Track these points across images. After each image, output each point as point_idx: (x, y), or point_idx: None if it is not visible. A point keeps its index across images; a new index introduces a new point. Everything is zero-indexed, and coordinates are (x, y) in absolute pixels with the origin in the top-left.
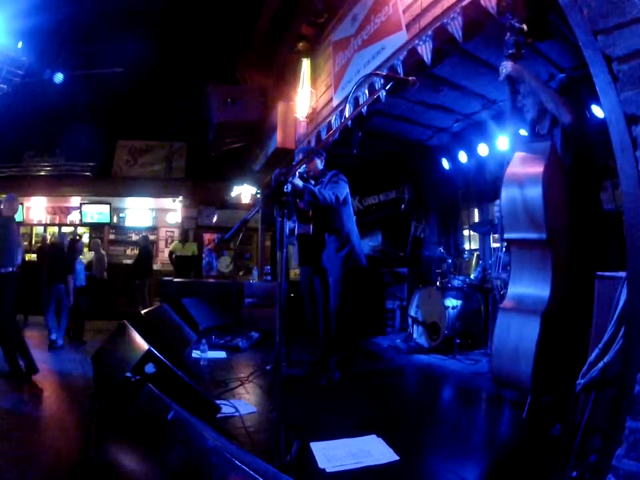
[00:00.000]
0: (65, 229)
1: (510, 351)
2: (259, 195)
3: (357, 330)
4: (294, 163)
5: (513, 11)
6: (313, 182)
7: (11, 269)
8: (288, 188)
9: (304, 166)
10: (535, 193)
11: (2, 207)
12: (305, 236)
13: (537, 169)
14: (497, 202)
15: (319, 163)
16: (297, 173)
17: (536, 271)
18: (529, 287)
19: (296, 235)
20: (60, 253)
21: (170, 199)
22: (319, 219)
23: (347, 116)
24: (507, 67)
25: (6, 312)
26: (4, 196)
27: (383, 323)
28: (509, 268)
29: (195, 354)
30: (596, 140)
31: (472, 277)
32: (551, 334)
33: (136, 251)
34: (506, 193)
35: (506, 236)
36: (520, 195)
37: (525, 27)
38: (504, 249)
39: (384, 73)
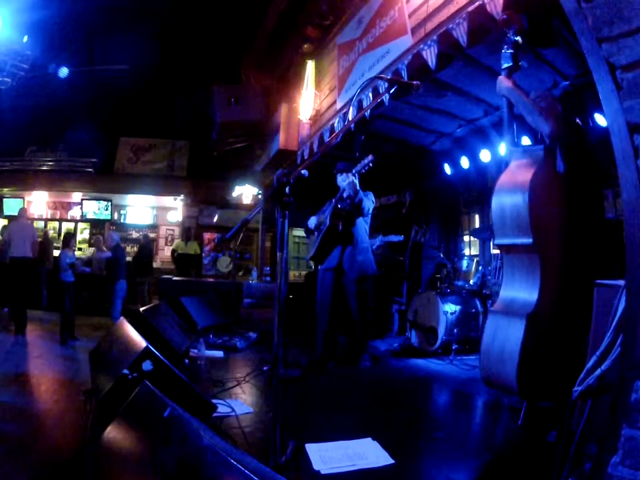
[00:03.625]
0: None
1: (496, 351)
2: (260, 196)
3: (369, 326)
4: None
5: (509, 24)
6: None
7: None
8: (349, 187)
9: (357, 166)
10: (521, 199)
11: None
12: (335, 228)
13: (525, 176)
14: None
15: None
16: (354, 174)
17: (525, 275)
18: (518, 290)
19: (326, 225)
20: None
21: (171, 197)
22: (348, 221)
23: (350, 119)
24: (497, 85)
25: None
26: (5, 190)
27: (385, 326)
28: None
29: (193, 353)
30: (598, 148)
31: (471, 282)
32: (540, 337)
33: (136, 249)
34: (495, 201)
35: (496, 242)
36: (508, 202)
37: (519, 39)
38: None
39: (388, 77)
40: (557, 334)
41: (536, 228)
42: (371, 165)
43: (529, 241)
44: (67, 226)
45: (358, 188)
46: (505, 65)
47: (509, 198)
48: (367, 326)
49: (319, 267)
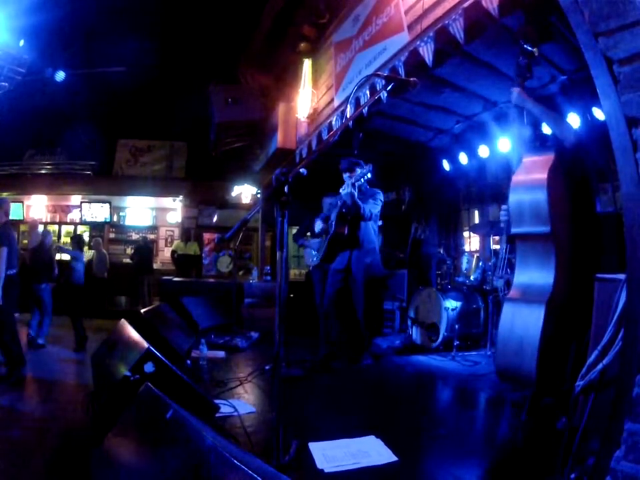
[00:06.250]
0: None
1: (515, 341)
2: (259, 195)
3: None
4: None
5: (525, 35)
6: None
7: (14, 271)
8: (348, 198)
9: (356, 175)
10: (540, 195)
11: None
12: (341, 234)
13: (542, 174)
14: (503, 206)
15: (360, 173)
16: (352, 184)
17: (540, 261)
18: (533, 276)
19: (332, 232)
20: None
21: (170, 199)
22: (354, 224)
23: (348, 116)
24: (513, 96)
25: (10, 312)
26: (4, 194)
27: (382, 324)
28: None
29: (194, 353)
30: (597, 142)
31: (472, 278)
32: (554, 327)
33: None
34: (513, 197)
35: (513, 231)
36: (526, 198)
37: (536, 51)
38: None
39: (385, 74)
40: (568, 325)
41: (553, 218)
42: (369, 175)
43: (547, 229)
44: (66, 229)
45: (355, 199)
46: (520, 74)
47: (528, 191)
48: (369, 325)
49: (330, 266)
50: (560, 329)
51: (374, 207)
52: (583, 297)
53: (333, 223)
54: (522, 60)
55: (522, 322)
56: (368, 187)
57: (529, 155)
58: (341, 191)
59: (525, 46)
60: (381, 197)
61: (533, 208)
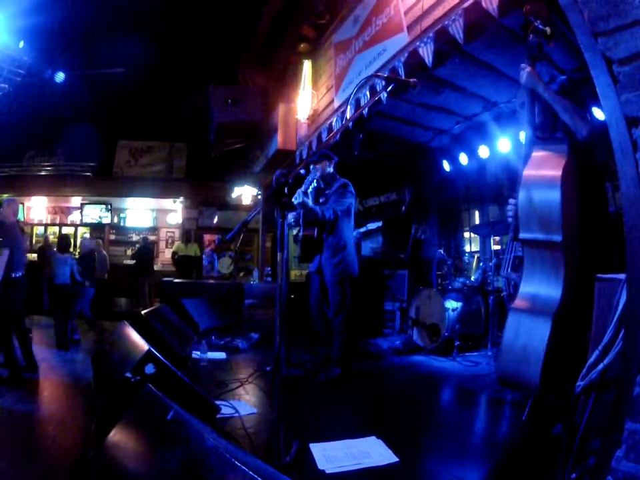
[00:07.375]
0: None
1: (518, 350)
2: (259, 196)
3: (351, 330)
4: (299, 163)
5: (537, 13)
6: (322, 184)
7: (20, 274)
8: (299, 209)
9: (318, 173)
10: (553, 196)
11: (3, 212)
12: (310, 237)
13: (556, 172)
14: (511, 200)
15: (328, 166)
16: (308, 187)
17: (548, 271)
18: (540, 286)
19: (301, 235)
20: None
21: (170, 200)
22: (322, 224)
23: (348, 117)
24: (522, 76)
25: (16, 314)
26: (5, 196)
27: (382, 324)
28: (509, 270)
29: (195, 354)
30: (596, 141)
31: (472, 278)
32: (560, 338)
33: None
34: (523, 194)
35: (520, 236)
36: (537, 197)
37: (548, 29)
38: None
39: (385, 75)
40: (572, 329)
41: (564, 225)
42: (318, 183)
43: (558, 238)
44: (66, 230)
45: (309, 207)
46: (531, 54)
47: (539, 190)
48: (343, 331)
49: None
50: (566, 338)
51: (341, 204)
52: (590, 302)
53: (301, 228)
54: (533, 38)
55: (527, 333)
56: (338, 176)
57: (540, 147)
58: (293, 200)
59: (536, 23)
60: (350, 188)
61: (543, 211)
